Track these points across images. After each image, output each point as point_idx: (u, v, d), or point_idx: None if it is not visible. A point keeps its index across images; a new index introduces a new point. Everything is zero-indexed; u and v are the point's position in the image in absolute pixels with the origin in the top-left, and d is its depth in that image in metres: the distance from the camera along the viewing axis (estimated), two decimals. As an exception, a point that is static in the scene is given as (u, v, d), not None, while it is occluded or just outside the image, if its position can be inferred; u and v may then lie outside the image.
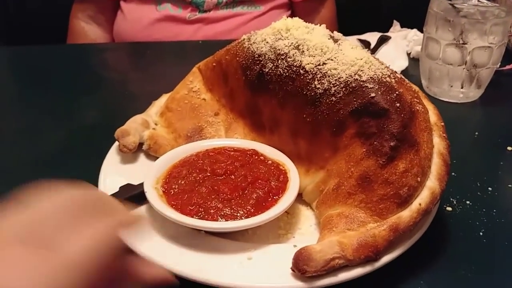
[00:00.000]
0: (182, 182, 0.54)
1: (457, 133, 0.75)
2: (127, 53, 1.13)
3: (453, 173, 0.63)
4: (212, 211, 0.51)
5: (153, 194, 0.52)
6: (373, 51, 1.03)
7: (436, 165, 0.51)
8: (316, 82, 0.53)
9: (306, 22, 1.34)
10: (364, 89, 0.50)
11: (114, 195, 0.53)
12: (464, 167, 0.67)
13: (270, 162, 0.58)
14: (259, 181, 0.54)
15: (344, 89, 0.51)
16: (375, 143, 0.49)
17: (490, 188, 0.64)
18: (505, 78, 0.91)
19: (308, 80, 0.53)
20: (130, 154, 0.62)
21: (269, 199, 0.52)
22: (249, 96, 0.61)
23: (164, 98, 0.70)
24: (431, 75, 0.85)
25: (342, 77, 0.51)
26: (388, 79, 0.52)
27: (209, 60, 0.68)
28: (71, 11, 1.30)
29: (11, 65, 1.09)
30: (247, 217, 0.50)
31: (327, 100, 0.52)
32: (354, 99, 0.51)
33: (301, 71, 0.54)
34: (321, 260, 0.44)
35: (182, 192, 0.53)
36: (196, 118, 0.65)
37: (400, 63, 0.96)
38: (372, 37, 1.10)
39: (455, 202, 0.61)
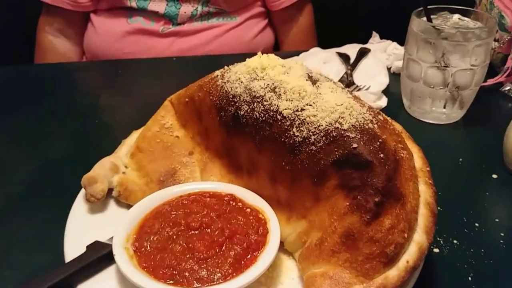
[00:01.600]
0: (155, 239, 0.51)
1: (441, 160, 0.73)
2: (98, 73, 1.08)
3: (439, 208, 0.61)
4: (187, 274, 0.47)
5: (122, 257, 0.48)
6: (353, 66, 1.00)
7: (423, 217, 0.48)
8: (294, 129, 0.49)
9: (284, 30, 1.31)
10: (345, 138, 0.47)
11: (81, 257, 0.49)
12: (450, 200, 0.64)
13: (248, 210, 0.55)
14: (237, 235, 0.51)
15: (324, 138, 0.48)
16: (359, 197, 0.46)
17: (477, 224, 0.62)
18: (487, 94, 0.89)
19: (286, 127, 0.50)
20: (98, 202, 0.58)
21: (248, 256, 0.49)
22: (225, 136, 0.58)
23: (134, 136, 0.66)
24: (413, 96, 0.82)
25: (322, 125, 0.48)
26: (370, 125, 0.49)
27: (181, 93, 0.64)
28: (38, 24, 1.24)
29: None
30: (224, 279, 0.47)
31: (307, 149, 0.49)
32: (336, 149, 0.47)
33: (278, 116, 0.50)
34: (305, 333, 0.41)
35: (154, 251, 0.49)
36: (169, 159, 0.61)
37: (381, 80, 0.93)
38: (351, 49, 1.07)
39: (442, 242, 0.59)
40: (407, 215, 0.46)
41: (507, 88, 0.91)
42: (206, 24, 1.19)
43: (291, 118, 0.50)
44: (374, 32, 1.11)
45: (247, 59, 0.57)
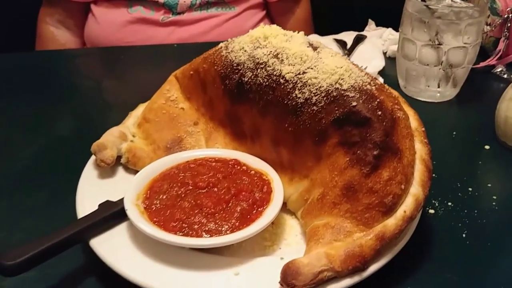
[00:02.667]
0: (164, 197, 0.53)
1: (436, 134, 0.76)
2: (100, 58, 1.11)
3: (434, 175, 0.64)
4: (196, 226, 0.50)
5: (134, 212, 0.51)
6: (350, 51, 1.03)
7: (419, 172, 0.51)
8: (296, 92, 0.52)
9: (281, 22, 1.35)
10: (345, 98, 0.50)
11: (93, 213, 0.52)
12: (445, 168, 0.68)
13: (253, 172, 0.58)
14: (243, 193, 0.54)
15: (325, 98, 0.51)
16: (358, 152, 0.49)
17: (470, 189, 0.65)
18: (480, 75, 0.93)
19: (288, 90, 0.53)
20: (108, 168, 0.61)
21: (254, 211, 0.52)
22: (228, 105, 0.61)
23: (141, 108, 0.69)
24: (408, 75, 0.86)
25: (323, 86, 0.51)
26: (368, 86, 0.52)
27: (186, 68, 0.67)
28: (38, 16, 1.26)
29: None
30: (232, 231, 0.50)
31: (309, 110, 0.52)
32: (336, 108, 0.51)
33: (281, 80, 0.54)
34: (309, 274, 0.44)
35: (164, 207, 0.52)
36: (175, 128, 0.64)
37: (377, 63, 0.96)
38: (348, 36, 1.11)
39: (437, 204, 0.62)
40: (404, 168, 0.49)
41: (499, 69, 0.95)
42: (205, 14, 1.22)
43: (293, 81, 0.53)
44: (370, 20, 1.15)
45: (250, 30, 0.60)
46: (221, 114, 0.63)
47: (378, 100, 0.51)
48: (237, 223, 0.50)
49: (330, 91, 0.51)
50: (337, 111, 0.51)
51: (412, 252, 0.52)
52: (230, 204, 0.53)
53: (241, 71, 0.57)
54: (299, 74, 0.53)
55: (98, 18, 1.21)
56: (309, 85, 0.52)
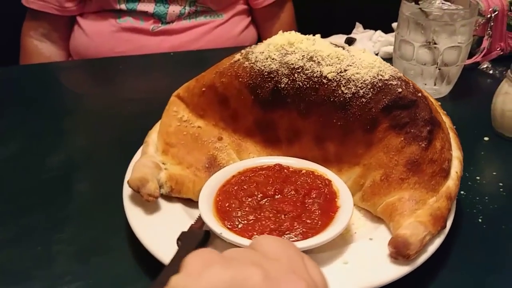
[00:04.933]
0: (242, 214, 0.62)
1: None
2: (99, 70, 1.28)
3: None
4: (292, 233, 0.59)
5: (228, 233, 0.56)
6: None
7: (452, 138, 0.71)
8: (342, 88, 0.61)
9: (266, 27, 1.46)
10: (390, 86, 0.62)
11: (181, 250, 0.55)
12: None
13: (304, 171, 0.64)
14: (313, 191, 0.64)
15: (371, 89, 0.61)
16: (412, 131, 0.61)
17: (478, 177, 0.85)
18: (468, 72, 1.12)
19: (333, 88, 0.62)
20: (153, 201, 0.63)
21: (330, 205, 0.60)
22: (260, 114, 0.72)
23: (153, 134, 0.77)
24: (406, 74, 1.00)
25: (367, 79, 0.61)
26: (399, 74, 0.69)
27: (191, 85, 0.77)
28: (22, 30, 1.35)
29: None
30: (324, 227, 0.60)
31: (357, 102, 0.60)
32: (383, 97, 0.61)
33: (323, 80, 0.62)
34: (417, 242, 0.59)
35: (249, 223, 0.61)
36: (204, 147, 0.74)
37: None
38: (338, 39, 1.23)
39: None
40: (446, 136, 0.73)
41: (485, 66, 1.12)
42: (194, 22, 1.41)
43: (337, 79, 0.62)
44: (357, 23, 1.35)
45: (268, 39, 0.74)
46: (249, 124, 0.76)
47: (411, 84, 0.61)
48: (324, 219, 0.60)
49: (375, 83, 0.60)
50: (385, 99, 0.59)
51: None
52: (306, 205, 0.61)
53: (276, 79, 0.66)
54: (340, 72, 0.62)
55: (86, 30, 1.36)
56: (354, 80, 0.61)
